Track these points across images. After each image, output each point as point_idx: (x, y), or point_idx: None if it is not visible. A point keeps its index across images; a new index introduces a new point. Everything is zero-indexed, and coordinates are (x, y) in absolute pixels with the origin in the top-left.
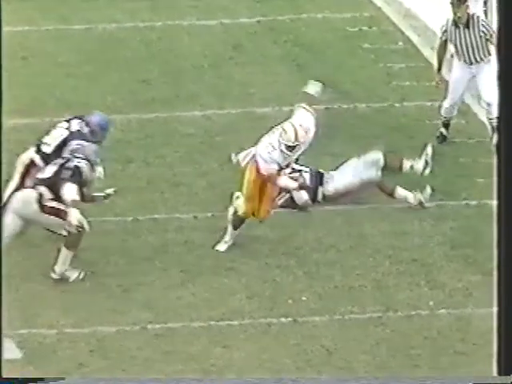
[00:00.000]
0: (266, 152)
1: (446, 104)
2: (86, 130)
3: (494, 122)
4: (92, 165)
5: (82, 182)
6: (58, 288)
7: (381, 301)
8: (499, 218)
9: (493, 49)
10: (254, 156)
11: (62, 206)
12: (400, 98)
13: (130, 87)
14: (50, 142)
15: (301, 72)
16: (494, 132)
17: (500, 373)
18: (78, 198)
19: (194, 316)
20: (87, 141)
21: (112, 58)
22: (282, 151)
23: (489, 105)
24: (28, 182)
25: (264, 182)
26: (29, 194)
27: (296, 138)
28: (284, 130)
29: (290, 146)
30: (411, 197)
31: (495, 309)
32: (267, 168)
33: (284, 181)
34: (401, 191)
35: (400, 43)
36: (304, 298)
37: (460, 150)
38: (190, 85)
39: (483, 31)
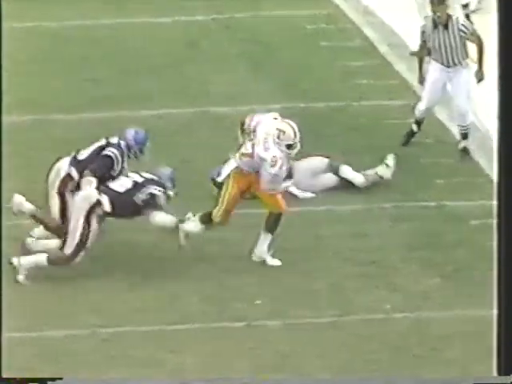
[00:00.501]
0: (273, 169)
1: (421, 106)
2: (122, 143)
3: (463, 130)
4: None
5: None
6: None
7: (337, 304)
8: (499, 221)
9: (470, 51)
10: (237, 169)
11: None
12: (358, 97)
13: (79, 86)
14: (85, 152)
15: (258, 70)
16: (462, 138)
17: (500, 373)
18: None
19: (142, 320)
20: (122, 153)
21: (61, 56)
22: (282, 151)
23: (461, 112)
24: (67, 196)
25: (242, 195)
26: (90, 194)
27: (295, 135)
28: (281, 130)
29: (290, 145)
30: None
31: (495, 310)
32: (271, 188)
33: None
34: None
35: (357, 41)
36: (258, 302)
37: (419, 150)
38: (144, 84)
39: (462, 31)
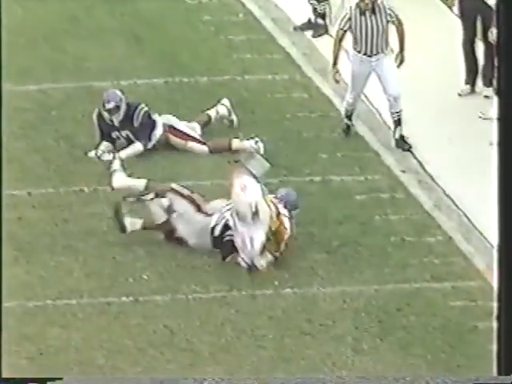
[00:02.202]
0: None
1: (348, 99)
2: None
3: (397, 116)
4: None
5: None
6: None
7: (225, 280)
8: (500, 224)
9: (391, 39)
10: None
11: None
12: (241, 71)
13: None
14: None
15: (139, 45)
16: (396, 126)
17: (500, 373)
18: None
19: (29, 295)
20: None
21: None
22: None
23: (395, 99)
24: None
25: None
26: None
27: None
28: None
29: None
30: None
31: (495, 310)
32: None
33: None
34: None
35: (241, 15)
36: (145, 277)
37: (302, 124)
38: (24, 58)
39: (389, 14)
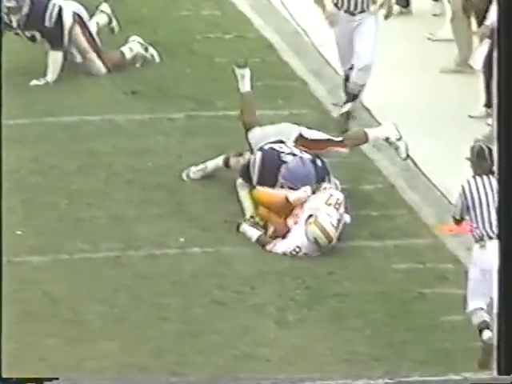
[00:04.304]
0: None
1: (343, 67)
2: None
3: (357, 90)
4: None
5: None
6: None
7: (118, 236)
8: (500, 224)
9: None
10: None
11: None
12: None
13: None
14: None
15: None
16: (349, 100)
17: (500, 373)
18: None
19: None
20: None
21: None
22: None
23: (364, 67)
24: None
25: None
26: None
27: None
28: None
29: None
30: None
31: (495, 310)
32: None
33: None
34: None
35: None
36: (19, 233)
37: (214, 47)
38: None
39: None
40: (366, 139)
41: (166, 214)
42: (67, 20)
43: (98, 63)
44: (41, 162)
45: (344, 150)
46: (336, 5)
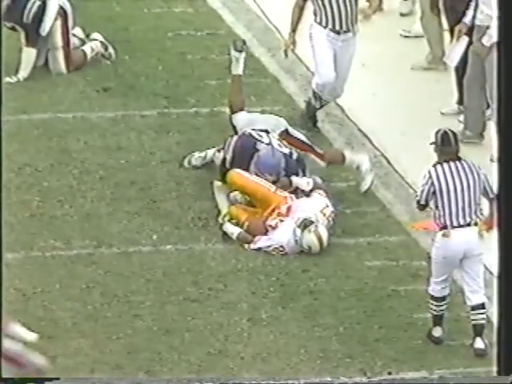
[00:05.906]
0: None
1: (318, 80)
2: None
3: (323, 103)
4: None
5: None
6: None
7: (91, 234)
8: (500, 221)
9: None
10: None
11: None
12: None
13: None
14: None
15: None
16: (314, 101)
17: (500, 373)
18: None
19: None
20: None
21: None
22: None
23: (338, 85)
24: None
25: None
26: None
27: None
28: None
29: None
30: None
31: (495, 309)
32: None
33: None
34: None
35: None
36: None
37: (186, 44)
38: None
39: None
40: (342, 160)
41: (139, 212)
42: (51, 13)
43: (61, 62)
44: (13, 160)
45: (321, 163)
46: (320, 23)
